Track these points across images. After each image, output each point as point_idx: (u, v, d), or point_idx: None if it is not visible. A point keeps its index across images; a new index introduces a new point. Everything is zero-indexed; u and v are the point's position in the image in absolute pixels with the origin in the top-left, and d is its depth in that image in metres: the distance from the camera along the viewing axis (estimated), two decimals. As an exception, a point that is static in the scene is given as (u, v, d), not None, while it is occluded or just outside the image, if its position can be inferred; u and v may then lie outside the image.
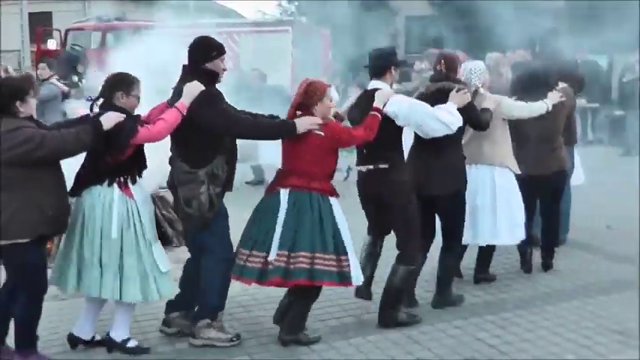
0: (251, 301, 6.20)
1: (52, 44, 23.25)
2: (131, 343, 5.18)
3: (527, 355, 5.12)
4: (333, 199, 5.22)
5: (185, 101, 4.95)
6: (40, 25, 26.31)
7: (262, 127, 5.22)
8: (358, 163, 5.64)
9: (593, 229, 8.33)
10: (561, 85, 6.96)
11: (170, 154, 5.23)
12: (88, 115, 4.99)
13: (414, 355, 5.15)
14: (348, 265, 5.09)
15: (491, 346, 5.25)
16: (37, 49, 23.92)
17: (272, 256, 5.05)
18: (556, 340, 5.33)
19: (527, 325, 5.65)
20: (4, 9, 34.15)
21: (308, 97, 5.19)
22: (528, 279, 6.78)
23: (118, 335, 5.17)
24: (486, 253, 6.62)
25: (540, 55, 7.73)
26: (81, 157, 4.97)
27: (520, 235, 6.44)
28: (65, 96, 10.54)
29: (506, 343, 5.30)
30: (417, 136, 5.79)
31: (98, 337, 5.27)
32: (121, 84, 4.97)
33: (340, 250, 5.08)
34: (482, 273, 6.66)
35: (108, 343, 5.19)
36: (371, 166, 5.46)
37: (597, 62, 16.88)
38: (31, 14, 26.58)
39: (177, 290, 5.42)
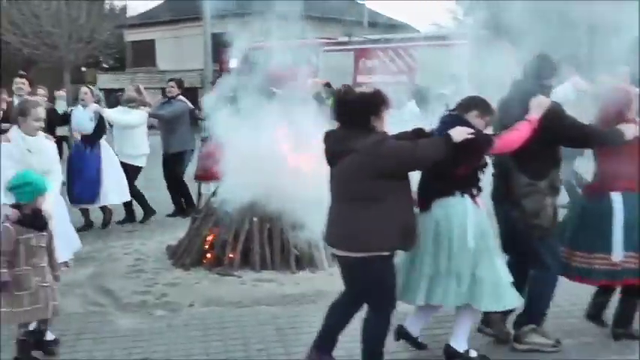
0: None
1: (234, 63, 24.16)
2: (472, 353, 5.16)
3: None
4: None
5: (536, 114, 5.07)
6: (221, 45, 27.47)
7: (599, 137, 5.31)
8: None
9: None
10: None
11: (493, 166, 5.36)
12: (420, 129, 5.03)
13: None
14: None
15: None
16: (220, 68, 24.94)
17: (618, 258, 5.25)
18: None
19: None
20: (188, 31, 36.13)
21: (631, 102, 5.36)
22: None
23: (459, 346, 5.13)
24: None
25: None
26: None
27: None
28: (191, 113, 10.98)
29: None
30: None
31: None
32: (477, 107, 5.00)
33: None
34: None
35: (449, 353, 5.16)
36: None
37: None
38: (213, 34, 27.78)
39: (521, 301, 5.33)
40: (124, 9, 42.24)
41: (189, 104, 11.21)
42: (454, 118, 4.91)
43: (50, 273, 5.25)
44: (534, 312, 5.33)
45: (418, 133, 4.96)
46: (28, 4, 32.72)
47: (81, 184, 9.40)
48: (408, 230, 4.68)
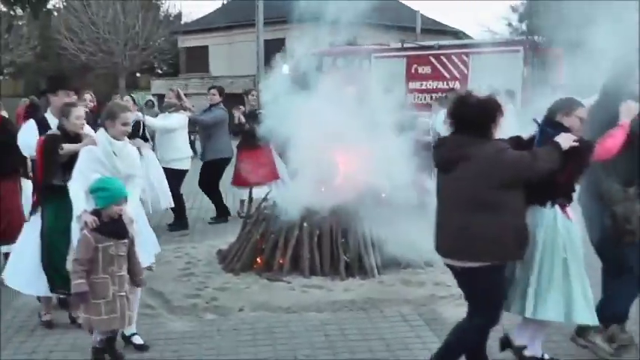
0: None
1: (285, 69, 24.27)
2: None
3: None
4: None
5: (627, 120, 5.03)
6: (274, 51, 27.60)
7: None
8: None
9: None
10: None
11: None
12: (519, 137, 4.94)
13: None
14: None
15: None
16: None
17: None
18: None
19: None
20: (241, 37, 36.45)
21: None
22: None
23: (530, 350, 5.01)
24: None
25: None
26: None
27: None
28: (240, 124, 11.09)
29: None
30: None
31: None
32: (561, 106, 4.87)
33: None
34: None
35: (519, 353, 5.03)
36: None
37: None
38: (266, 41, 27.93)
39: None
40: (178, 16, 42.91)
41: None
42: (555, 125, 4.78)
43: (128, 282, 5.24)
44: (606, 312, 5.14)
45: (517, 141, 4.86)
46: (86, 12, 33.41)
47: None
48: (523, 239, 4.60)
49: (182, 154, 10.35)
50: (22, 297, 6.67)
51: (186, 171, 10.49)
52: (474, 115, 4.50)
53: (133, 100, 10.25)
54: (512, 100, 12.15)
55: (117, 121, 5.69)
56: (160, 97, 26.50)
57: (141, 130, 9.80)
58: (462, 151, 4.48)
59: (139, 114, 10.05)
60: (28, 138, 6.32)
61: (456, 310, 6.26)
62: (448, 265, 4.74)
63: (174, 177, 10.06)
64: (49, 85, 6.79)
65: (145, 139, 9.88)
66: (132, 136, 9.44)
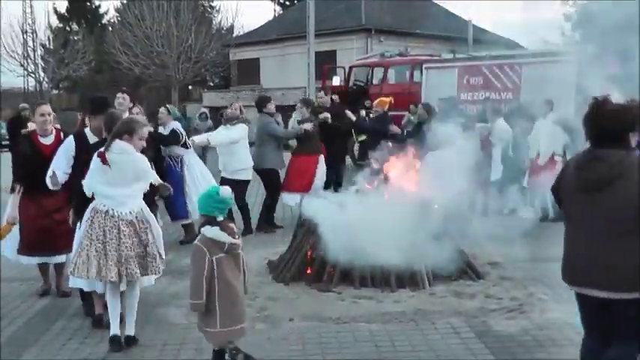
0: (532, 341, 5.88)
1: (336, 80, 24.37)
2: None
3: None
4: None
5: None
6: (325, 62, 27.72)
7: None
8: None
9: None
10: None
11: None
12: None
13: None
14: None
15: None
16: (322, 86, 25.14)
17: None
18: None
19: None
20: (292, 49, 36.70)
21: None
22: None
23: None
24: None
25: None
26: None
27: None
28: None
29: None
30: None
31: None
32: None
33: None
34: None
35: None
36: None
37: None
38: (317, 53, 28.06)
39: None
40: (230, 29, 43.34)
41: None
42: None
43: None
44: None
45: None
46: (140, 26, 34.01)
47: (172, 200, 9.63)
48: None
49: (244, 164, 10.61)
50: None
51: (249, 181, 10.77)
52: (615, 125, 4.05)
53: (168, 110, 10.39)
54: (551, 110, 11.89)
55: (135, 136, 5.85)
56: (212, 110, 26.85)
57: (183, 138, 10.04)
58: (620, 168, 3.99)
59: (177, 123, 10.23)
60: None
61: (507, 322, 6.21)
62: (583, 297, 4.25)
63: (238, 187, 10.13)
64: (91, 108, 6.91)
65: (186, 147, 10.12)
66: (173, 140, 9.81)
